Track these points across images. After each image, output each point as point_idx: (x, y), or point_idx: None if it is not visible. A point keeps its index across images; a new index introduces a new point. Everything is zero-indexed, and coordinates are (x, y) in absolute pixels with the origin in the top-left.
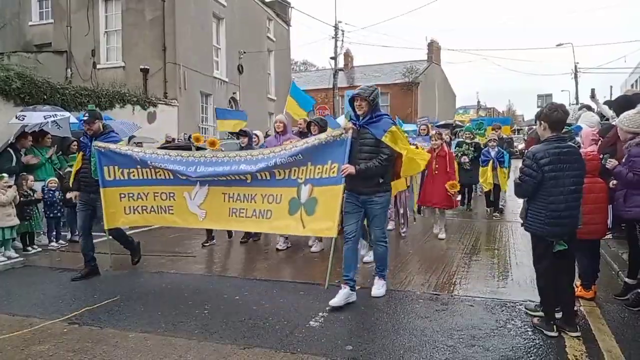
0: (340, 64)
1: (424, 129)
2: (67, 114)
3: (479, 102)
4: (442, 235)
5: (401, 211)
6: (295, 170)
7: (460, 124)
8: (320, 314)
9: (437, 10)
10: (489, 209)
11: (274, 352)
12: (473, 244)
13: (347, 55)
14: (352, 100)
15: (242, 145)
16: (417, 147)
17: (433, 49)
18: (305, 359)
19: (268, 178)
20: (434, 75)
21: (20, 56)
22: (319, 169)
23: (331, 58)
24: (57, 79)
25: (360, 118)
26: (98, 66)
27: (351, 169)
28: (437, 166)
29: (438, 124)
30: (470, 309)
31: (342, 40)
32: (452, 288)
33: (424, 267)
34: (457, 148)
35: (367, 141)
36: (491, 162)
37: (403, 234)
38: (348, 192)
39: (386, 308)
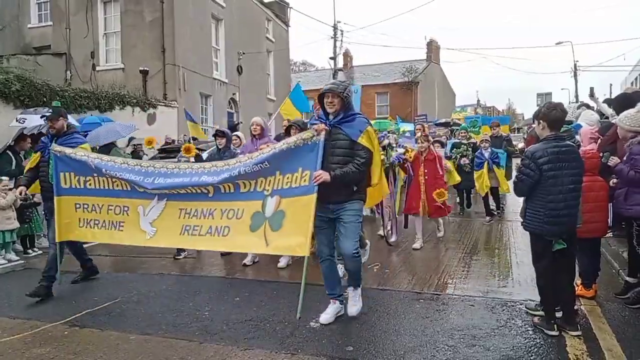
0: (340, 64)
1: (420, 128)
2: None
3: (478, 100)
4: (441, 234)
5: (387, 217)
6: (262, 181)
7: (458, 122)
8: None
9: (440, 9)
10: (488, 217)
11: (275, 353)
12: (473, 244)
13: (347, 55)
14: (321, 97)
15: (220, 147)
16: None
17: (432, 48)
18: None
19: (232, 191)
20: (433, 75)
21: (20, 59)
22: (288, 178)
23: (330, 58)
24: (56, 81)
25: (331, 117)
26: (97, 68)
27: (326, 176)
28: (425, 171)
29: (437, 122)
30: (470, 309)
31: (342, 40)
32: (452, 288)
33: (424, 267)
34: (454, 150)
35: (340, 143)
36: (486, 163)
37: (392, 243)
38: (318, 204)
39: (387, 308)
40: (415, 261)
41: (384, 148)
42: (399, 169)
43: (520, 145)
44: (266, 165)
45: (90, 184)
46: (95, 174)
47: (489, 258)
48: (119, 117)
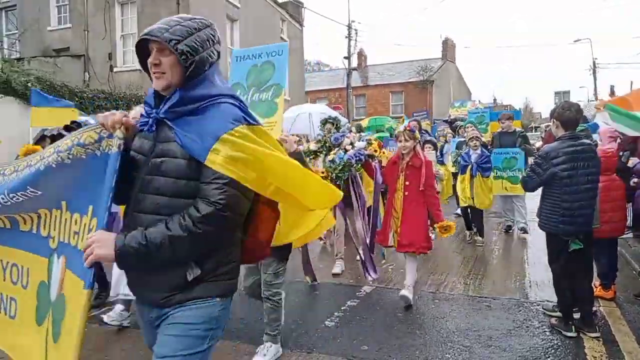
0: (354, 63)
1: (415, 125)
2: (85, 117)
3: (495, 99)
4: (409, 294)
5: (359, 248)
6: (45, 216)
7: (464, 117)
8: (336, 313)
9: (446, 11)
10: (468, 232)
11: (290, 351)
12: (489, 244)
13: (361, 55)
14: (143, 54)
15: None
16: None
17: (447, 46)
18: (321, 359)
19: (8, 226)
20: (448, 73)
21: (40, 61)
22: (76, 221)
23: (345, 57)
24: (75, 83)
25: (161, 102)
26: (115, 69)
27: (101, 251)
28: (407, 183)
29: (445, 119)
30: (486, 309)
31: (356, 40)
32: (468, 288)
33: (439, 267)
34: (457, 150)
35: (170, 163)
36: (469, 168)
37: (371, 280)
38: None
39: (401, 308)
40: (429, 262)
41: (345, 151)
42: (364, 172)
43: (538, 144)
44: (33, 193)
45: None
46: None
47: (505, 258)
48: None
